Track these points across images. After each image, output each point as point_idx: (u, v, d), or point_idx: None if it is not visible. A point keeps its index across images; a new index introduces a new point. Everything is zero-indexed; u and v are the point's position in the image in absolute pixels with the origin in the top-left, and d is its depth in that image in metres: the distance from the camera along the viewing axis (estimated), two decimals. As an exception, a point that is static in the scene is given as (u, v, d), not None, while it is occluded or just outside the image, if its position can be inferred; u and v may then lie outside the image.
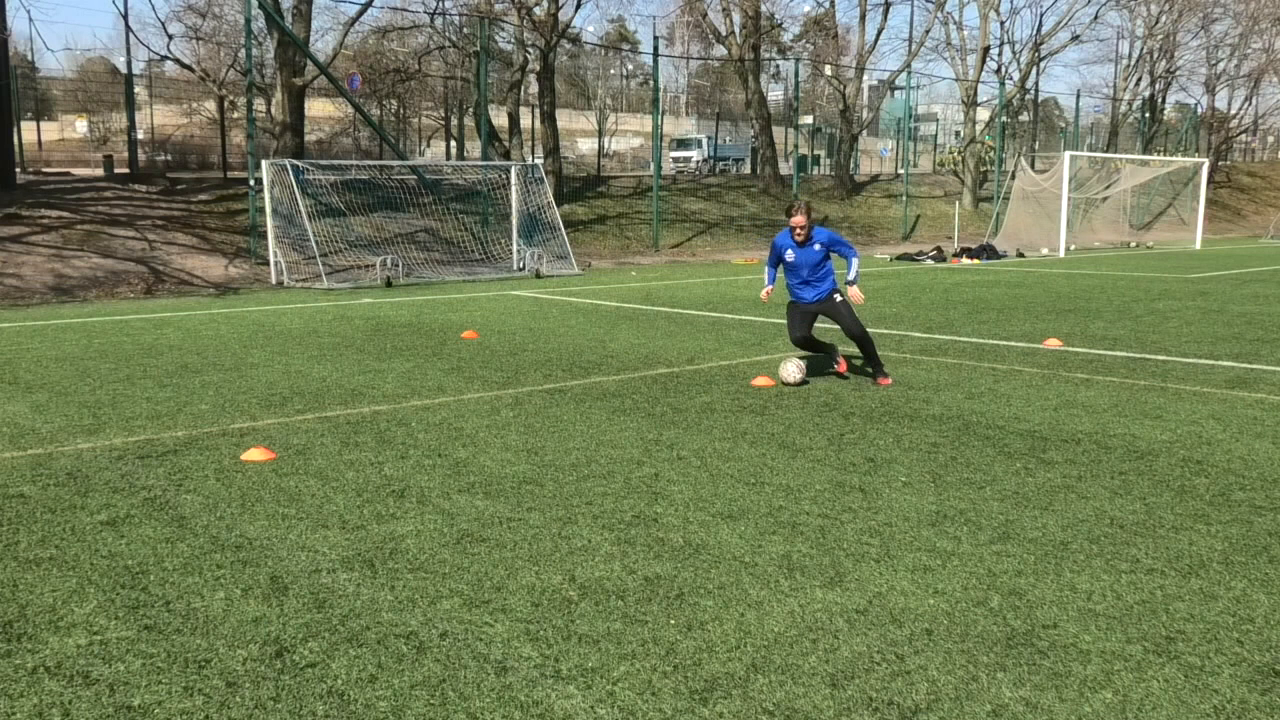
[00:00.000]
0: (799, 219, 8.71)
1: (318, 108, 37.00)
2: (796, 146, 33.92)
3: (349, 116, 38.04)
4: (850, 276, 8.98)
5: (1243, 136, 57.78)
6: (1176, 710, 3.35)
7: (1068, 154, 32.50)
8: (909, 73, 36.98)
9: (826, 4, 42.47)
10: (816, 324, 9.34)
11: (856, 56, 40.40)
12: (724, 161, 48.37)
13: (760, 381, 8.91)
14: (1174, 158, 43.87)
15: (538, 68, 29.09)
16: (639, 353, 10.74)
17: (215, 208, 22.73)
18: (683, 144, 49.48)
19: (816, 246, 8.87)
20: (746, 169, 45.97)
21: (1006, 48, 43.72)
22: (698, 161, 46.74)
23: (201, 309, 15.49)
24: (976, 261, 26.22)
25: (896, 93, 46.80)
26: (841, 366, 9.04)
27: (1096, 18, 44.11)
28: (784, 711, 3.34)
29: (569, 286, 19.10)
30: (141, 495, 5.67)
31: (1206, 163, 38.19)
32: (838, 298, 8.96)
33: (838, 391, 8.60)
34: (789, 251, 8.93)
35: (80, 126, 42.82)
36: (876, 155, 52.67)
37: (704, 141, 49.79)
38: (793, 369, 8.75)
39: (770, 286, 9.26)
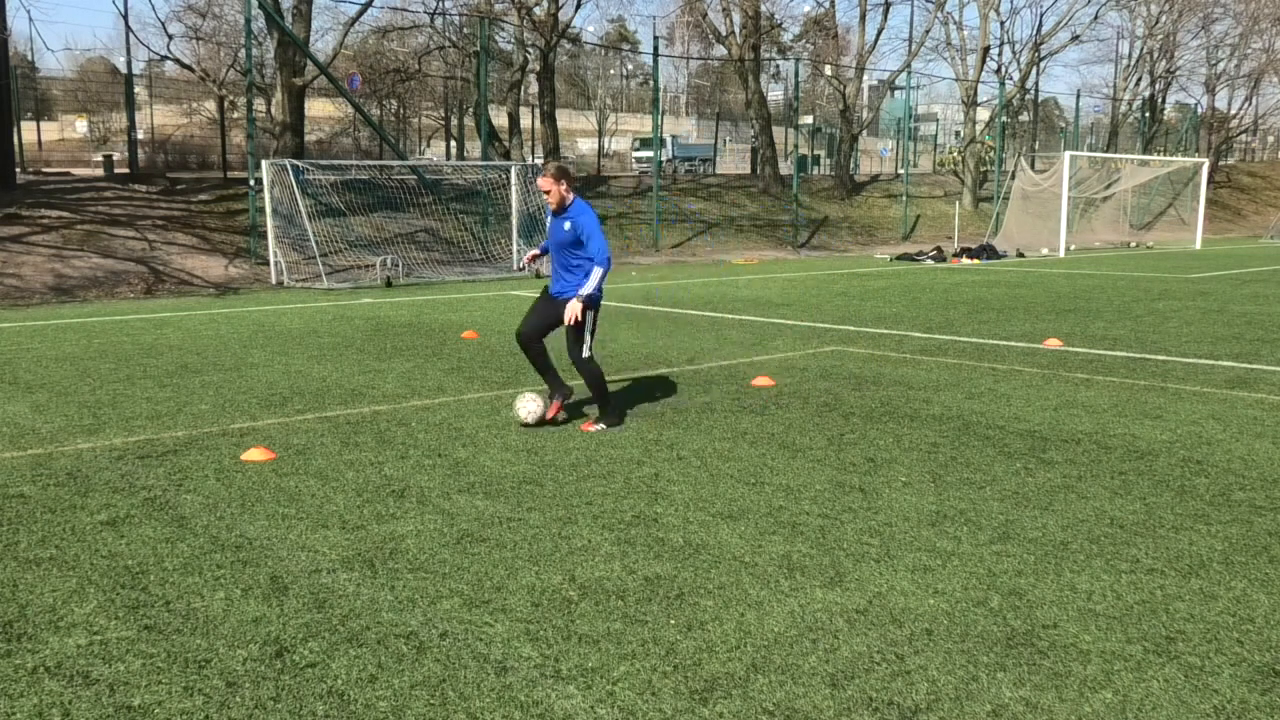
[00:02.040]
0: (542, 182, 7.18)
1: (318, 108, 37.00)
2: (796, 146, 33.92)
3: (349, 116, 38.05)
4: (583, 290, 7.08)
5: (1243, 136, 57.78)
6: (1176, 710, 3.35)
7: (1068, 154, 32.51)
8: (909, 73, 36.98)
9: (826, 4, 42.49)
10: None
11: (856, 56, 40.40)
12: (689, 162, 46.40)
13: (760, 381, 8.91)
14: (1174, 158, 43.88)
15: (538, 68, 29.10)
16: (639, 353, 10.74)
17: (215, 208, 22.73)
18: (646, 144, 47.65)
19: (567, 225, 7.18)
20: (717, 169, 45.36)
21: (1006, 48, 43.76)
22: (663, 161, 45.69)
23: (201, 309, 15.49)
24: (976, 261, 26.23)
25: (896, 93, 46.77)
26: (553, 410, 7.40)
27: (1096, 18, 44.13)
28: (784, 711, 3.34)
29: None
30: (141, 495, 5.67)
31: (1206, 163, 38.20)
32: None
33: (838, 391, 8.59)
34: (549, 220, 7.44)
35: (80, 126, 42.82)
36: (876, 155, 52.66)
37: (669, 141, 48.07)
38: (531, 407, 7.24)
39: (535, 252, 7.75)
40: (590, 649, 3.76)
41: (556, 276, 7.34)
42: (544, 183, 7.18)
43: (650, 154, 45.88)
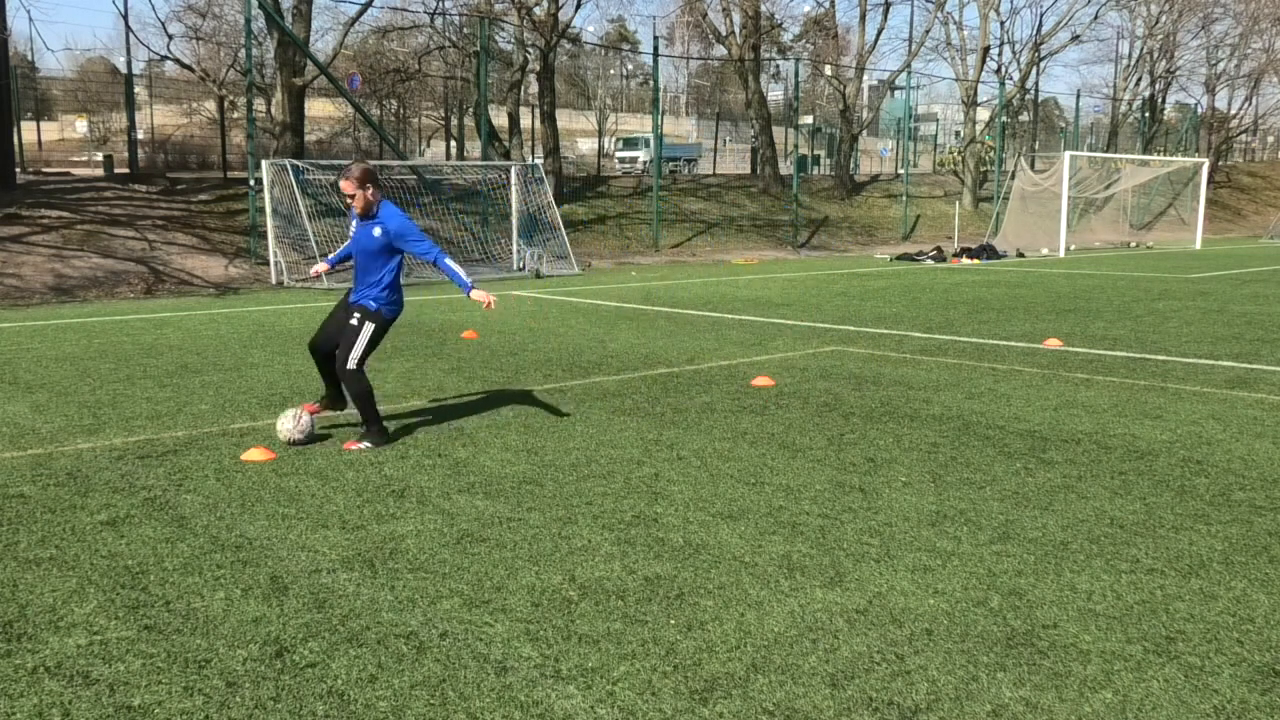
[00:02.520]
0: (345, 185, 6.70)
1: (318, 108, 36.99)
2: (796, 146, 33.92)
3: (349, 116, 38.04)
4: (463, 285, 6.83)
5: (1243, 136, 57.80)
6: (1176, 710, 3.35)
7: (1068, 154, 32.51)
8: (909, 73, 36.98)
9: (826, 4, 42.51)
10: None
11: (856, 56, 40.42)
12: (673, 162, 45.47)
13: (760, 381, 8.91)
14: (1174, 158, 43.89)
15: (538, 68, 29.09)
16: (639, 353, 10.74)
17: (215, 208, 22.73)
18: (629, 144, 47.20)
19: (376, 231, 6.74)
20: (702, 169, 44.95)
21: (1006, 48, 43.76)
22: (645, 162, 44.33)
23: (201, 309, 15.49)
24: (976, 261, 26.23)
25: (896, 93, 46.75)
26: (309, 407, 6.99)
27: (1096, 18, 44.16)
28: (784, 711, 3.34)
29: (569, 286, 19.10)
30: (141, 495, 5.67)
31: (1206, 163, 38.22)
32: (355, 318, 6.78)
33: (838, 391, 8.60)
34: (353, 223, 6.94)
35: (80, 126, 42.80)
36: (876, 155, 52.64)
37: (652, 140, 47.77)
38: (289, 424, 6.70)
39: (324, 267, 7.22)
40: (590, 649, 3.76)
41: (357, 282, 6.90)
42: (347, 186, 6.66)
43: (634, 154, 45.46)
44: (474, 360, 10.28)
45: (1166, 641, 3.84)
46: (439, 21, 31.07)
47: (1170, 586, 4.36)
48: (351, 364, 6.72)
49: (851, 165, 39.45)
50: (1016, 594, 4.27)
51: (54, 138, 44.05)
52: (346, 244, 7.10)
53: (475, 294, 6.76)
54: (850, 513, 5.34)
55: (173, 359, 10.39)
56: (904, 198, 35.96)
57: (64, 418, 7.63)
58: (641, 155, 45.06)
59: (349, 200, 6.78)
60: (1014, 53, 46.01)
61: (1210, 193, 39.88)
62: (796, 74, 34.19)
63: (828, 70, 39.74)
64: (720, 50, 38.52)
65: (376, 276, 6.83)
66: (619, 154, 45.51)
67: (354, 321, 6.77)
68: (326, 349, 6.94)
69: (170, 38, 27.19)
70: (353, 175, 6.70)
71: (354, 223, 6.90)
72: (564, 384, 8.97)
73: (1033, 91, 45.13)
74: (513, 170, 23.44)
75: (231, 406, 8.03)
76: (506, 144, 28.58)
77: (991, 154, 39.75)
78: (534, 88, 31.64)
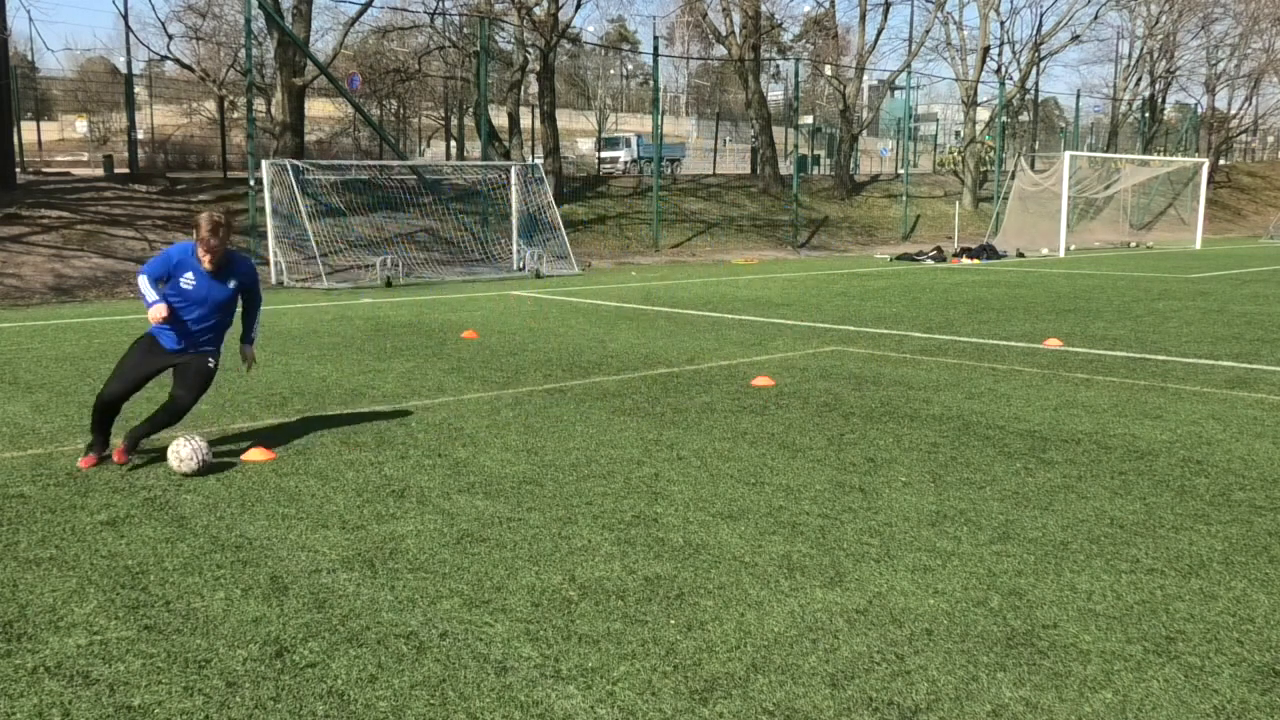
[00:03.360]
0: (216, 243, 6.22)
1: (318, 108, 36.97)
2: (796, 146, 33.91)
3: (349, 116, 38.01)
4: (252, 333, 6.76)
5: (1243, 136, 57.81)
6: (1176, 710, 3.35)
7: (1068, 154, 32.53)
8: (909, 73, 36.99)
9: (826, 4, 42.52)
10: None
11: (856, 56, 40.43)
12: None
13: (760, 381, 8.91)
14: (1174, 158, 43.90)
15: (538, 68, 29.10)
16: (639, 353, 10.74)
17: (215, 208, 22.73)
18: (610, 143, 46.43)
19: (231, 284, 6.41)
20: (685, 170, 44.60)
21: (1006, 48, 43.79)
22: (626, 162, 43.85)
23: (201, 309, 15.47)
24: (976, 261, 26.23)
25: (896, 93, 46.76)
26: (118, 456, 6.34)
27: (1096, 18, 44.17)
28: (784, 711, 3.34)
29: (569, 286, 19.10)
30: (141, 495, 5.67)
31: (1206, 163, 38.23)
32: (209, 365, 6.55)
33: (838, 391, 8.59)
34: (189, 276, 6.29)
35: (80, 126, 42.79)
36: (876, 155, 52.62)
37: (633, 140, 46.19)
38: (187, 451, 6.05)
39: (164, 305, 6.24)
40: (590, 649, 3.76)
41: (182, 332, 6.42)
42: (218, 242, 6.23)
43: (615, 153, 45.04)
44: (474, 360, 10.28)
45: (1166, 641, 3.84)
46: (439, 21, 31.10)
47: (1170, 586, 4.36)
48: (192, 405, 6.52)
49: (851, 165, 39.46)
50: (1016, 594, 4.27)
51: (54, 138, 44.03)
52: (149, 275, 6.38)
53: (250, 349, 6.75)
54: (850, 513, 5.34)
55: (173, 359, 10.39)
56: (904, 198, 35.96)
57: (64, 418, 7.63)
58: (622, 155, 44.59)
59: (210, 257, 6.25)
60: (1014, 53, 46.07)
61: (1210, 193, 39.90)
62: (796, 74, 34.19)
63: (828, 70, 39.76)
64: (720, 50, 38.54)
65: (222, 325, 6.59)
66: (600, 154, 45.15)
67: (205, 366, 6.56)
68: (125, 399, 6.51)
69: (170, 38, 27.25)
70: (223, 230, 6.26)
71: (192, 275, 6.32)
72: (564, 384, 8.97)
73: (1033, 91, 45.16)
74: (513, 170, 23.44)
75: (231, 406, 8.03)
76: (506, 144, 28.58)
77: (991, 154, 39.75)
78: (534, 88, 31.65)
